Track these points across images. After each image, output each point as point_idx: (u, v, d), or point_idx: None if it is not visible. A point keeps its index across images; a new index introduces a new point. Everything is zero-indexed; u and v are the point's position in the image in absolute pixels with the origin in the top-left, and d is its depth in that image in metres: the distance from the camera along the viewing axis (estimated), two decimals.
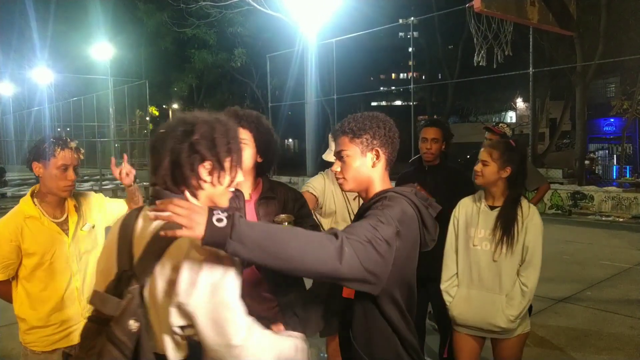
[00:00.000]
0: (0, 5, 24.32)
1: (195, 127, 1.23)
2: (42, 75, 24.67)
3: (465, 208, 2.40)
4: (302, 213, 2.01)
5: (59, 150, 2.03)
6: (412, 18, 16.29)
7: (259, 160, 1.94)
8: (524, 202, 2.30)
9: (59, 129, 29.78)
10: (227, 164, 1.26)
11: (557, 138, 24.88)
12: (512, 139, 2.44)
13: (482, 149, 2.33)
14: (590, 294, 5.08)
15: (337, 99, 17.58)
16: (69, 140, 2.10)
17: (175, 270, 1.13)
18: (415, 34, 22.81)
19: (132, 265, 1.22)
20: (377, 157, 1.56)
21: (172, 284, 1.13)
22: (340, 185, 1.63)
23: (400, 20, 16.45)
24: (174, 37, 20.37)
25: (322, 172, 2.91)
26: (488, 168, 2.26)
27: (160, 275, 1.15)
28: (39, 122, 29.86)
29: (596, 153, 22.02)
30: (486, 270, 2.27)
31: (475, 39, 7.92)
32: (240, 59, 19.97)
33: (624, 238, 8.06)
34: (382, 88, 40.20)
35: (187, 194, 1.22)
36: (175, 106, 31.95)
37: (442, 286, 2.39)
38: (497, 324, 2.23)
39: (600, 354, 3.67)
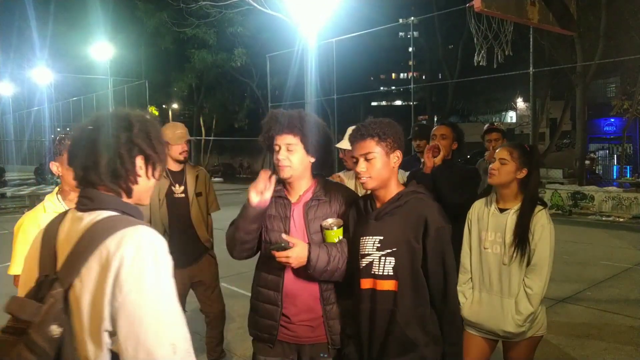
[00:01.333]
0: (0, 5, 24.31)
1: (131, 122, 1.21)
2: (42, 75, 24.64)
3: (477, 210, 2.39)
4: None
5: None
6: (412, 18, 16.28)
7: (312, 159, 1.94)
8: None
9: (58, 129, 29.76)
10: (158, 158, 1.25)
11: (557, 138, 24.85)
12: (526, 144, 2.42)
13: (501, 149, 2.31)
14: (590, 294, 5.08)
15: (337, 99, 17.58)
16: None
17: (104, 270, 1.06)
18: (416, 33, 22.81)
19: (56, 269, 1.15)
20: (398, 158, 1.81)
21: (100, 285, 1.06)
22: (364, 183, 1.80)
23: (401, 20, 16.46)
24: (173, 37, 20.35)
25: (338, 174, 3.06)
26: (506, 167, 2.24)
27: (87, 276, 1.09)
28: (38, 122, 29.88)
29: (596, 153, 22.04)
30: (496, 273, 2.26)
31: (475, 39, 7.91)
32: (240, 59, 19.97)
33: (624, 238, 8.05)
34: (382, 88, 40.22)
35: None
36: (175, 106, 31.94)
37: (459, 287, 2.35)
38: (506, 328, 2.21)
39: (601, 354, 3.66)
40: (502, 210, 2.28)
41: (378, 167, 1.77)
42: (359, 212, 1.90)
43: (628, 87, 17.27)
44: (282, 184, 1.97)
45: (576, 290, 5.15)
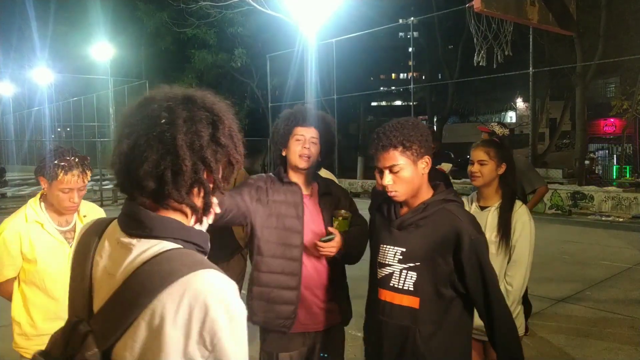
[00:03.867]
0: (1, 5, 24.31)
1: (219, 116, 0.90)
2: (42, 75, 24.64)
3: None
4: (353, 209, 2.13)
5: (62, 174, 1.91)
6: (412, 18, 16.30)
7: (319, 159, 2.07)
8: (516, 201, 2.28)
9: (58, 129, 29.76)
10: (239, 163, 0.96)
11: (557, 138, 24.89)
12: (495, 138, 2.44)
13: (475, 149, 2.30)
14: (590, 294, 5.08)
15: (337, 99, 17.58)
16: (75, 159, 1.94)
17: (157, 338, 0.78)
18: (415, 34, 22.80)
19: (90, 313, 0.87)
20: (427, 163, 1.65)
21: (156, 353, 0.78)
22: (393, 197, 1.65)
23: (400, 20, 16.47)
24: (174, 37, 20.34)
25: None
26: (487, 167, 2.25)
27: (132, 340, 0.79)
28: (39, 122, 29.87)
29: (596, 153, 22.04)
30: None
31: (475, 39, 7.93)
32: (241, 59, 19.95)
33: (624, 238, 8.06)
34: (382, 88, 40.18)
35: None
36: None
37: None
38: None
39: (600, 353, 3.67)
40: (482, 208, 2.29)
41: (406, 179, 1.61)
42: (382, 216, 1.79)
43: (628, 87, 17.29)
44: (287, 177, 2.04)
45: (576, 290, 5.16)
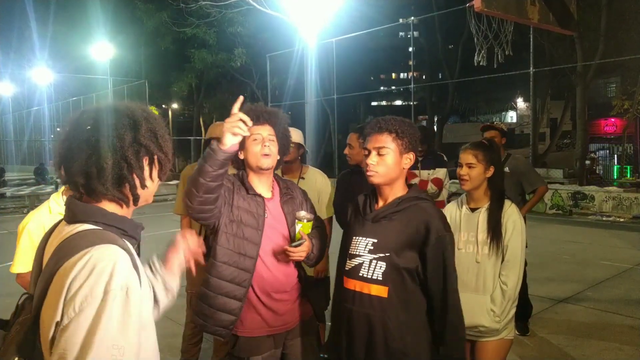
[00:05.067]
0: (0, 5, 24.32)
1: (137, 120, 1.06)
2: (42, 75, 24.67)
3: (449, 213, 2.39)
4: (314, 210, 2.16)
5: None
6: (412, 18, 16.29)
7: (277, 157, 2.03)
8: (505, 201, 2.28)
9: (58, 129, 29.76)
10: (166, 159, 1.13)
11: (557, 138, 24.91)
12: (484, 140, 2.44)
13: (463, 152, 2.29)
14: (591, 294, 5.07)
15: (337, 99, 17.58)
16: None
17: (57, 296, 0.91)
18: (416, 33, 22.82)
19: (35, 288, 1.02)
20: (410, 160, 1.77)
21: (51, 314, 0.91)
22: (370, 176, 1.75)
23: (401, 20, 16.45)
24: (173, 37, 20.33)
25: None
26: (475, 170, 2.25)
27: (48, 302, 0.94)
28: (38, 122, 29.91)
29: (597, 153, 22.03)
30: (471, 272, 2.24)
31: (475, 39, 7.91)
32: (240, 59, 19.95)
33: (624, 238, 8.04)
34: (382, 88, 40.22)
35: None
36: (175, 106, 31.94)
37: None
38: (480, 323, 2.19)
39: (600, 354, 3.65)
40: (473, 210, 2.30)
41: (389, 164, 1.72)
42: (357, 210, 1.87)
43: (628, 86, 17.28)
44: (248, 182, 1.98)
45: (576, 290, 5.14)
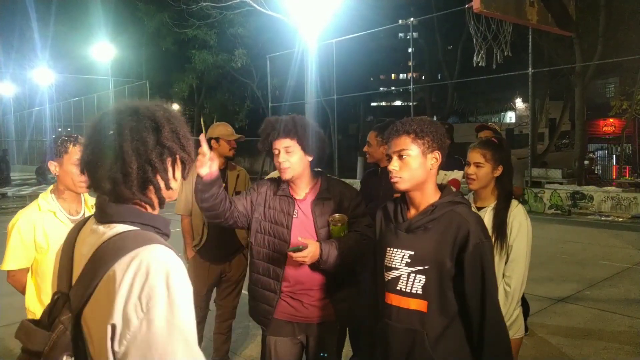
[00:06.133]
0: (1, 5, 24.34)
1: (159, 122, 1.06)
2: (43, 76, 24.66)
3: None
4: (356, 212, 2.12)
5: (71, 146, 2.08)
6: (412, 19, 16.31)
7: (309, 158, 2.09)
8: (512, 201, 2.25)
9: (59, 129, 29.78)
10: (189, 159, 1.13)
11: (556, 138, 24.91)
12: (495, 137, 2.42)
13: (471, 151, 2.25)
14: (590, 293, 5.10)
15: (337, 99, 17.61)
16: (79, 136, 2.14)
17: (111, 300, 0.92)
18: (415, 34, 22.84)
19: (70, 287, 1.04)
20: (437, 159, 1.64)
21: (106, 318, 0.92)
22: (395, 183, 1.65)
23: (400, 21, 16.47)
24: (174, 37, 20.36)
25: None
26: (483, 169, 2.21)
27: (96, 304, 0.95)
28: (39, 123, 29.89)
29: (595, 153, 22.06)
30: None
31: (474, 40, 7.95)
32: (241, 60, 19.98)
33: (623, 238, 8.07)
34: (382, 88, 40.24)
35: None
36: (175, 106, 31.94)
37: None
38: None
39: (600, 353, 3.68)
40: (479, 209, 2.25)
41: (413, 167, 1.61)
42: (387, 218, 1.76)
43: (627, 87, 17.29)
44: (287, 184, 2.14)
45: (576, 290, 5.17)
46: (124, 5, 21.25)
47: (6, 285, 2.21)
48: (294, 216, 2.08)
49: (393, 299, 1.66)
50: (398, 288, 1.65)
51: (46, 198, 2.15)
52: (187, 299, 0.95)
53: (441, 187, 1.71)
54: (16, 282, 2.17)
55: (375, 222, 1.82)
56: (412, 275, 1.62)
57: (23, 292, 2.17)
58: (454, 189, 1.73)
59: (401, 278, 1.64)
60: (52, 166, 2.11)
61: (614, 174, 18.56)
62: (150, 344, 0.89)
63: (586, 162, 16.91)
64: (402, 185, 1.63)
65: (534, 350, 3.75)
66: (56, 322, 0.98)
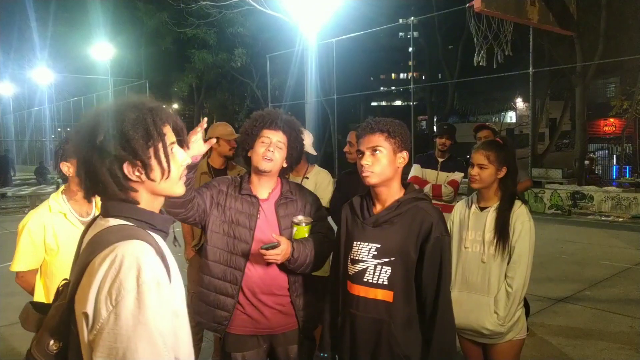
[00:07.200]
0: (0, 5, 24.32)
1: (97, 125, 1.05)
2: (42, 76, 24.66)
3: (459, 211, 2.37)
4: (318, 215, 2.11)
5: None
6: (412, 18, 16.30)
7: (285, 165, 2.05)
8: (516, 201, 2.25)
9: (59, 129, 29.79)
10: (152, 156, 1.08)
11: (557, 138, 24.89)
12: (498, 137, 2.42)
13: (475, 152, 2.25)
14: (590, 293, 5.09)
15: (337, 99, 17.58)
16: None
17: (86, 290, 0.95)
18: (415, 34, 22.82)
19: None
20: (404, 159, 1.76)
21: (82, 306, 0.95)
22: (365, 177, 1.74)
23: (400, 20, 16.45)
24: (174, 37, 20.38)
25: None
26: (486, 171, 2.21)
27: (81, 292, 0.98)
28: (39, 122, 29.89)
29: (596, 153, 22.01)
30: (476, 272, 2.22)
31: (475, 39, 7.94)
32: (241, 59, 19.98)
33: (623, 238, 8.06)
34: (382, 88, 40.20)
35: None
36: (175, 106, 31.95)
37: None
38: (484, 325, 2.17)
39: (600, 353, 3.68)
40: (482, 209, 2.27)
41: (383, 163, 1.72)
42: (353, 213, 1.85)
43: (627, 87, 17.29)
44: (247, 182, 2.05)
45: (576, 290, 5.17)
46: (123, 4, 21.25)
47: (6, 285, 2.20)
48: (258, 217, 2.00)
49: (360, 290, 1.75)
50: (365, 279, 1.74)
51: (57, 199, 2.13)
52: (160, 296, 0.95)
53: (405, 185, 1.82)
54: (25, 283, 2.16)
55: (341, 218, 1.90)
56: (379, 267, 1.72)
57: (32, 293, 2.15)
58: (416, 187, 1.82)
59: (368, 270, 1.74)
60: (65, 167, 2.08)
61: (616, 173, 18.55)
62: (116, 337, 0.90)
63: (586, 162, 16.89)
64: (372, 180, 1.73)
65: (534, 350, 3.74)
66: (52, 307, 1.04)
